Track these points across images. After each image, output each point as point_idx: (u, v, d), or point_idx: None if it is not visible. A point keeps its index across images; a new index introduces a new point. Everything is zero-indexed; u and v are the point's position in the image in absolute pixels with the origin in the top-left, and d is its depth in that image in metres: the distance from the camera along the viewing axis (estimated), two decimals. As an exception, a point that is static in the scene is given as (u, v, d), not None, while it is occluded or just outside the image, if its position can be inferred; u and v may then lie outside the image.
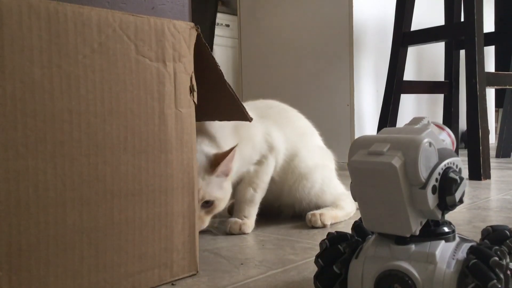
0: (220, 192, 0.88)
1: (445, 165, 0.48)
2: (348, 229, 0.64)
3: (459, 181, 0.48)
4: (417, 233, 0.48)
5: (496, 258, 0.45)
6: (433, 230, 0.50)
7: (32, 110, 0.53)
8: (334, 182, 1.12)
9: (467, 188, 1.33)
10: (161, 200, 0.66)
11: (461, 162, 0.51)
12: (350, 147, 0.52)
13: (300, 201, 1.06)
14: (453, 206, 0.48)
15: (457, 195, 0.48)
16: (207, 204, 0.87)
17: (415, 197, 0.47)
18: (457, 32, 2.00)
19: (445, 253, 0.48)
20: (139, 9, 1.05)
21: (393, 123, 2.07)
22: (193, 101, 0.70)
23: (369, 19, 2.37)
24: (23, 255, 0.53)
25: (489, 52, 3.21)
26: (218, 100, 0.80)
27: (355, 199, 0.52)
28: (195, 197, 0.71)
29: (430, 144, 0.47)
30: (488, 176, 1.66)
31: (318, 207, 1.07)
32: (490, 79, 1.81)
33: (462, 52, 2.11)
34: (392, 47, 2.08)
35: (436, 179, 0.47)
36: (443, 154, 0.48)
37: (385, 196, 0.48)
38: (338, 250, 0.54)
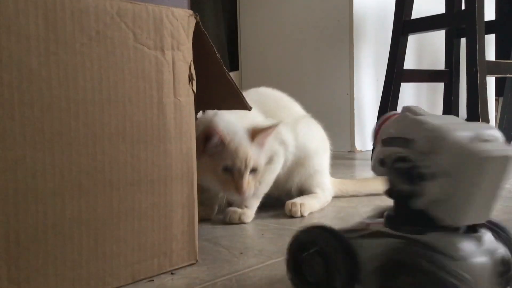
0: (261, 161, 0.95)
1: None
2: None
3: None
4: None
5: None
6: None
7: (29, 99, 0.53)
8: (326, 169, 1.14)
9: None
10: (160, 190, 0.66)
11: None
12: (425, 133, 0.47)
13: (295, 184, 1.09)
14: None
15: None
16: (253, 171, 0.93)
17: None
18: (458, 20, 1.99)
19: None
20: (137, -3, 1.03)
21: (393, 112, 2.06)
22: (192, 90, 0.69)
23: (369, 8, 2.35)
24: (21, 246, 0.52)
25: (490, 41, 3.19)
26: (217, 89, 0.80)
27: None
28: (194, 186, 0.71)
29: None
30: (487, 165, 1.66)
31: (302, 189, 1.09)
32: (491, 68, 1.80)
33: (463, 41, 2.10)
34: (392, 36, 2.06)
35: None
36: None
37: (497, 185, 0.46)
38: None
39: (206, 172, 0.88)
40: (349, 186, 1.22)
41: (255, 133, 0.93)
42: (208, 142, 0.88)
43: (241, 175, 0.90)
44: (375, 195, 1.22)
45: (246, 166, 0.90)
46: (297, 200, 1.03)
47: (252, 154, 0.92)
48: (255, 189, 0.96)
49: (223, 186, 0.92)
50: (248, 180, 0.91)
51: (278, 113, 1.08)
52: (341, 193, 1.20)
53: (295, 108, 1.17)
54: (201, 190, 1.04)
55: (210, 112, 0.95)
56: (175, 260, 0.68)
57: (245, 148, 0.91)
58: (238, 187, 0.90)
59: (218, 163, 0.90)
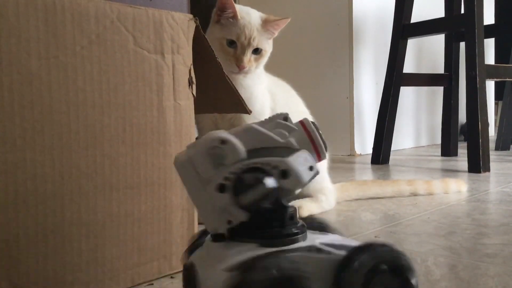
0: (267, 45, 1.03)
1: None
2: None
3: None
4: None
5: None
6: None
7: (29, 102, 0.53)
8: (324, 172, 1.13)
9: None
10: (160, 193, 0.66)
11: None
12: None
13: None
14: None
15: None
16: (256, 52, 1.01)
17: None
18: (457, 24, 1.99)
19: None
20: (137, 0, 1.04)
21: (393, 116, 2.07)
22: (192, 93, 0.70)
23: (369, 11, 2.36)
24: (21, 248, 0.52)
25: (489, 45, 3.21)
26: (217, 92, 0.80)
27: None
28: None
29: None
30: (487, 169, 1.66)
31: (303, 195, 1.08)
32: (490, 72, 1.81)
33: (462, 44, 2.10)
34: (392, 39, 2.07)
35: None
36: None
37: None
38: None
39: (215, 41, 0.96)
40: (352, 191, 1.22)
41: (268, 20, 1.02)
42: (223, 12, 0.98)
43: (243, 51, 0.98)
44: (375, 198, 1.22)
45: (249, 43, 0.98)
46: (295, 203, 1.03)
47: (258, 35, 0.99)
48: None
49: (225, 58, 0.98)
50: (249, 58, 0.99)
51: (287, 103, 1.13)
52: (343, 198, 1.20)
53: (302, 106, 1.21)
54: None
55: None
56: (175, 264, 0.68)
57: (252, 28, 0.98)
58: (238, 61, 0.98)
59: (225, 35, 0.98)
